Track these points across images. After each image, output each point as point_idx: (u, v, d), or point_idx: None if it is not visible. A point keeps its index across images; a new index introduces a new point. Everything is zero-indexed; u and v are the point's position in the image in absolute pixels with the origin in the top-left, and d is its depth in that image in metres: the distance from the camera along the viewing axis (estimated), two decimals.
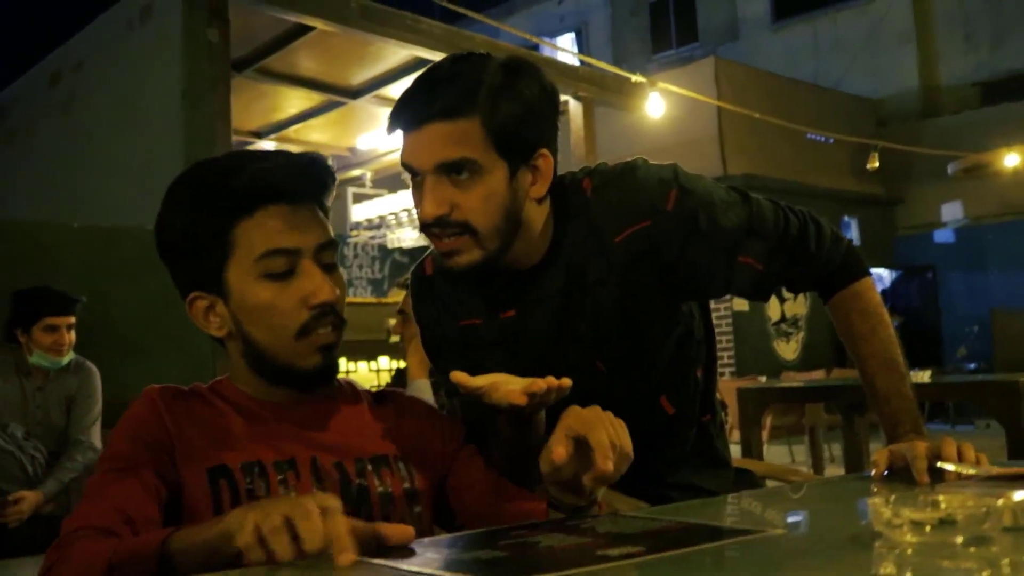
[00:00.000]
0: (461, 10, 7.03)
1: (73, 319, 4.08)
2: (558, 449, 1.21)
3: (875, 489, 1.41)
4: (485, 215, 1.55)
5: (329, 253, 1.40)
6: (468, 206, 1.54)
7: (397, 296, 5.34)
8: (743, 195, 1.76)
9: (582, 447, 1.22)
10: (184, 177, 1.40)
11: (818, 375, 10.80)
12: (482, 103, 1.52)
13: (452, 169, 1.52)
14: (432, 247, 1.67)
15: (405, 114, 1.55)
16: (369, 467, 1.41)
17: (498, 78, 1.55)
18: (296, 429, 1.39)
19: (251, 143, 9.31)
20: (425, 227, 1.57)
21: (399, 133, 1.58)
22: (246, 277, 1.34)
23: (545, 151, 1.62)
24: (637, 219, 1.67)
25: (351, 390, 1.53)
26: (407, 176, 1.60)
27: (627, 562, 0.96)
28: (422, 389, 3.13)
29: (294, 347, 1.35)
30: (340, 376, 1.49)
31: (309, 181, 1.39)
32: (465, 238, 1.56)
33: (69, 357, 4.13)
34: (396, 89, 7.44)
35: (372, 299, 9.88)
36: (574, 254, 1.69)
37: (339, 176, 10.01)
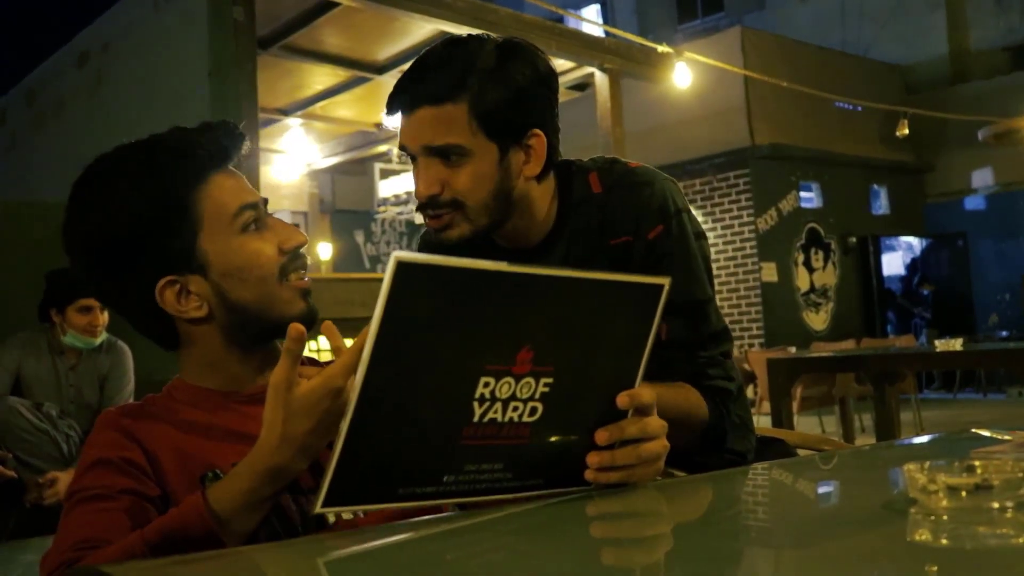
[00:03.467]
0: None
1: None
2: None
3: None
4: (473, 193, 1.63)
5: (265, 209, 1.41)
6: (457, 185, 1.62)
7: None
8: (709, 296, 1.79)
9: None
10: (113, 171, 1.33)
11: (848, 345, 10.76)
12: (470, 88, 1.58)
13: (439, 153, 1.61)
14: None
15: (399, 98, 1.63)
16: None
17: (490, 62, 1.61)
18: None
19: (278, 121, 9.33)
20: (420, 207, 1.66)
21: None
22: (226, 239, 1.31)
23: (538, 132, 1.67)
24: (626, 231, 1.74)
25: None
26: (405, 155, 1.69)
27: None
28: None
29: (280, 293, 1.33)
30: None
31: (234, 144, 1.38)
32: (455, 214, 1.64)
33: (102, 337, 4.17)
34: None
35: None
36: (575, 242, 1.76)
37: (366, 152, 10.00)
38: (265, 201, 1.40)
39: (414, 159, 1.65)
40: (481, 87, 1.58)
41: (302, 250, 1.38)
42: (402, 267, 0.91)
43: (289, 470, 1.09)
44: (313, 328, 1.38)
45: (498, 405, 1.03)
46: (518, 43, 1.67)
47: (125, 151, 1.35)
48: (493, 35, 1.68)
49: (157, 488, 1.25)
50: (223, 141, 1.36)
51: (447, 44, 1.65)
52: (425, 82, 1.59)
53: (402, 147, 1.66)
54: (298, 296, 1.36)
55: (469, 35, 1.67)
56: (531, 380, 1.04)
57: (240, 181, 1.37)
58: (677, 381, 1.74)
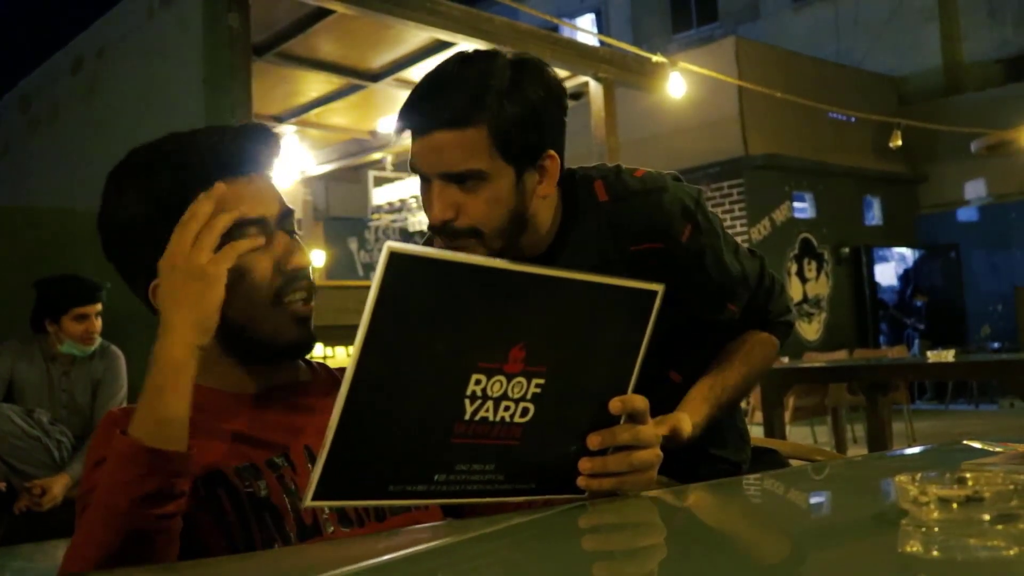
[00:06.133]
0: None
1: (100, 307, 4.10)
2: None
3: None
4: (490, 219, 1.58)
5: (290, 221, 1.35)
6: (474, 211, 1.57)
7: None
8: (736, 247, 1.88)
9: None
10: (128, 165, 1.34)
11: (840, 355, 10.77)
12: (488, 110, 1.53)
13: (458, 179, 1.55)
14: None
15: (413, 118, 1.57)
16: None
17: (504, 81, 1.55)
18: (279, 418, 1.33)
19: (273, 128, 9.32)
20: (434, 230, 1.60)
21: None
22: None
23: (552, 152, 1.63)
24: (654, 238, 1.73)
25: (326, 373, 1.48)
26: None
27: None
28: None
29: (272, 316, 1.29)
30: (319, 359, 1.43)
31: (259, 151, 1.34)
32: (471, 240, 1.59)
33: (96, 342, 4.16)
34: (416, 72, 7.43)
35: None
36: (579, 251, 1.73)
37: (360, 159, 9.97)
38: (286, 213, 1.34)
39: (426, 179, 1.59)
40: (499, 109, 1.53)
41: (309, 270, 1.33)
42: (395, 258, 0.91)
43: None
44: (310, 351, 1.37)
45: (489, 403, 1.03)
46: (528, 59, 1.61)
47: (137, 152, 1.35)
48: (501, 50, 1.64)
49: None
50: (240, 146, 1.32)
51: (458, 63, 1.59)
52: (441, 104, 1.53)
53: (414, 167, 1.59)
54: (292, 323, 1.31)
55: (477, 51, 1.62)
56: (523, 380, 1.04)
57: (248, 191, 1.30)
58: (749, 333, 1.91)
